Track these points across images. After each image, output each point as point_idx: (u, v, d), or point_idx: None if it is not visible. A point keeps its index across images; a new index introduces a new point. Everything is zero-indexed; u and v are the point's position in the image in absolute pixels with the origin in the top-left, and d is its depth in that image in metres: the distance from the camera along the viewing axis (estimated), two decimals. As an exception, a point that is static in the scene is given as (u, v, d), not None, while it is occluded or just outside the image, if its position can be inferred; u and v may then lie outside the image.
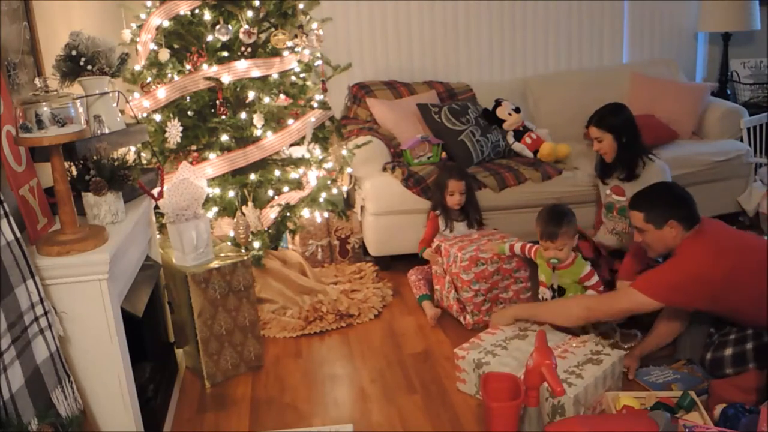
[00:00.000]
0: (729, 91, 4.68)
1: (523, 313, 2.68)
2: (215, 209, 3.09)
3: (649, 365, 2.53)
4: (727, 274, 2.22)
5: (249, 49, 3.10)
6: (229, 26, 2.99)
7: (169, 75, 3.05)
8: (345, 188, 3.77)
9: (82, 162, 2.06)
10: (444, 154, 3.81)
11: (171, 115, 3.01)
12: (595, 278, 2.74)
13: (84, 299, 1.75)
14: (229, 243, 2.97)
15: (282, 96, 3.29)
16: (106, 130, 2.23)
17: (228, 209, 3.10)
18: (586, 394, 2.21)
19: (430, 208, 3.33)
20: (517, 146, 3.94)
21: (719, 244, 2.33)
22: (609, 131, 3.11)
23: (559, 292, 2.76)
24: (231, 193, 3.08)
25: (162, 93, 2.99)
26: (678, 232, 2.38)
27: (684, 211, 2.40)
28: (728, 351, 2.36)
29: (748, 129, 4.00)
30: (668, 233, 2.39)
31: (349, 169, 3.57)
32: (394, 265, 3.68)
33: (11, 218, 1.57)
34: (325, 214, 3.57)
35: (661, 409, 2.13)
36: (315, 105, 3.37)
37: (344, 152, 3.50)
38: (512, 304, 2.95)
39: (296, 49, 3.25)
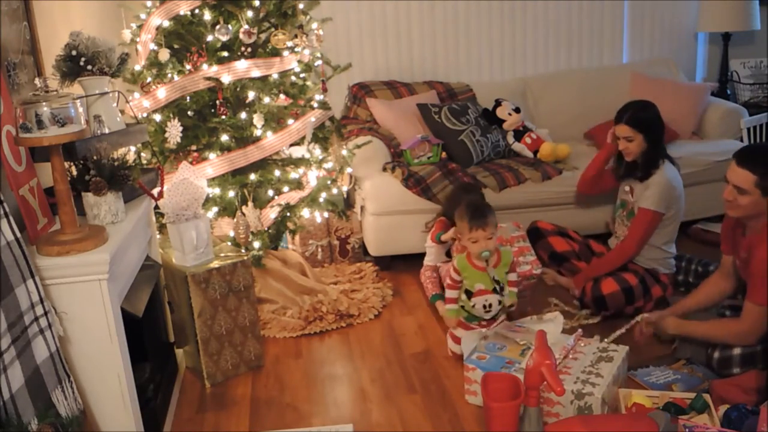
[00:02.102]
0: (729, 91, 4.68)
1: (684, 329, 2.54)
2: (215, 209, 3.09)
3: (648, 365, 2.53)
4: None
5: (249, 49, 3.10)
6: (229, 26, 2.99)
7: (169, 75, 3.05)
8: (345, 188, 3.77)
9: (82, 162, 2.06)
10: (444, 154, 3.81)
11: (171, 115, 3.01)
12: (515, 275, 2.70)
13: (84, 299, 1.75)
14: (229, 243, 2.97)
15: (282, 96, 3.29)
16: (106, 130, 2.23)
17: (228, 209, 3.10)
18: (609, 393, 2.21)
19: (440, 213, 3.26)
20: (517, 146, 3.94)
21: None
22: (642, 131, 2.96)
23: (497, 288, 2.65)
24: (231, 193, 3.08)
25: (162, 93, 2.99)
26: None
27: None
28: (737, 350, 2.34)
29: (748, 129, 4.00)
30: None
31: (349, 169, 3.57)
32: (394, 265, 3.68)
33: (11, 218, 1.57)
34: (325, 214, 3.57)
35: (671, 410, 2.13)
36: (315, 105, 3.37)
37: (344, 152, 3.50)
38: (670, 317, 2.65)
39: (296, 49, 3.24)
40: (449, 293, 2.69)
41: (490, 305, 2.63)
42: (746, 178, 2.26)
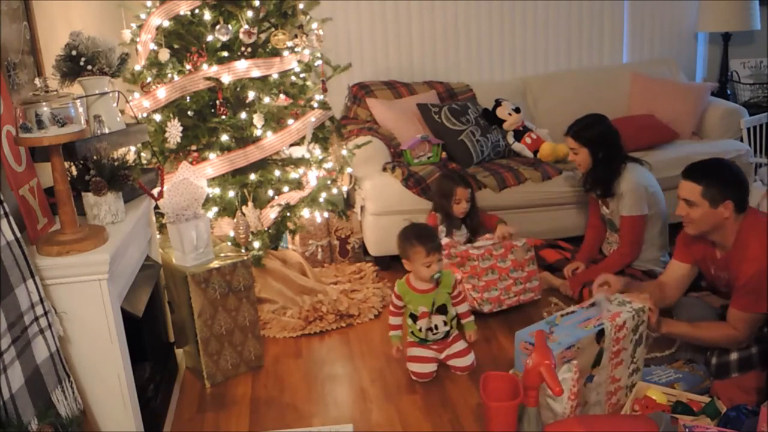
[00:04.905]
0: (729, 91, 4.68)
1: (676, 329, 2.45)
2: (215, 209, 3.09)
3: (650, 365, 2.52)
4: None
5: (249, 49, 3.10)
6: (229, 26, 2.99)
7: (169, 75, 3.05)
8: (345, 188, 3.77)
9: (82, 162, 2.06)
10: (444, 154, 3.81)
11: (171, 115, 3.01)
12: (465, 306, 2.67)
13: (84, 299, 1.76)
14: (229, 243, 2.97)
15: (282, 96, 3.29)
16: (106, 130, 2.23)
17: (228, 209, 3.10)
18: None
19: (431, 209, 3.32)
20: (517, 146, 3.94)
21: None
22: (584, 145, 3.06)
23: (440, 310, 2.60)
24: (231, 193, 3.08)
25: (162, 93, 2.99)
26: (730, 214, 2.28)
27: (742, 194, 2.31)
28: (733, 356, 2.34)
29: (748, 129, 3.99)
30: (721, 213, 2.28)
31: (349, 169, 3.57)
32: (394, 265, 3.67)
33: (11, 218, 1.57)
34: (325, 214, 3.57)
35: (678, 408, 2.14)
36: (315, 105, 3.37)
37: (344, 152, 3.50)
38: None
39: (296, 49, 3.25)
40: (392, 320, 2.67)
41: (436, 326, 2.61)
42: (692, 190, 2.31)
